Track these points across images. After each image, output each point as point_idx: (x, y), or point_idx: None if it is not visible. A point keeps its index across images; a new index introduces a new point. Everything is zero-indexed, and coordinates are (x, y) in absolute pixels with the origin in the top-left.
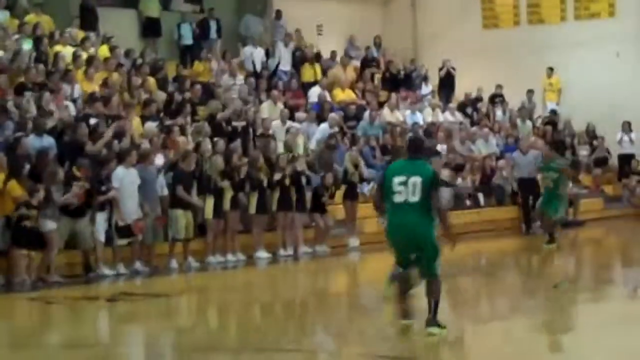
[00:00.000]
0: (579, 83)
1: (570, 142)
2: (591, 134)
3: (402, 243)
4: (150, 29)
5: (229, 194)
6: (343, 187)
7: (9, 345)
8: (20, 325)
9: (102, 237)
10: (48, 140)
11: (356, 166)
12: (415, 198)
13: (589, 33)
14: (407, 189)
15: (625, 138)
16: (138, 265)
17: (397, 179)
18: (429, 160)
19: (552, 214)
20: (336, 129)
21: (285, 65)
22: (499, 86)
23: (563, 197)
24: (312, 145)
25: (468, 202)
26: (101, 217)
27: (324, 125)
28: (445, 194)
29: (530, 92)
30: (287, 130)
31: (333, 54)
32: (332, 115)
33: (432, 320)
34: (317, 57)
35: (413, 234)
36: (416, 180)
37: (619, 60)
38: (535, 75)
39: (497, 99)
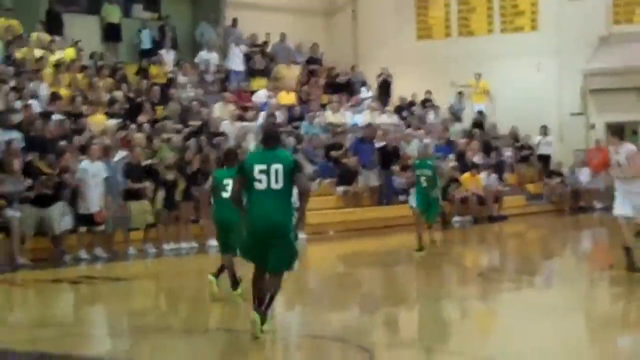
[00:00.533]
0: (503, 91)
1: (496, 143)
2: (515, 137)
3: (261, 232)
4: (111, 34)
5: (181, 187)
6: None
7: None
8: None
9: (68, 225)
10: (14, 134)
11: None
12: (278, 185)
13: (513, 45)
14: (269, 176)
15: (543, 140)
16: (99, 251)
17: (258, 167)
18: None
19: (431, 220)
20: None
21: (239, 66)
22: (428, 92)
23: (436, 200)
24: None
25: (402, 197)
26: (66, 207)
27: (264, 112)
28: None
29: (459, 93)
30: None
31: (282, 35)
32: (273, 101)
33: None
34: (265, 69)
35: (273, 222)
36: (278, 167)
37: (539, 70)
38: (465, 83)
39: (427, 103)
